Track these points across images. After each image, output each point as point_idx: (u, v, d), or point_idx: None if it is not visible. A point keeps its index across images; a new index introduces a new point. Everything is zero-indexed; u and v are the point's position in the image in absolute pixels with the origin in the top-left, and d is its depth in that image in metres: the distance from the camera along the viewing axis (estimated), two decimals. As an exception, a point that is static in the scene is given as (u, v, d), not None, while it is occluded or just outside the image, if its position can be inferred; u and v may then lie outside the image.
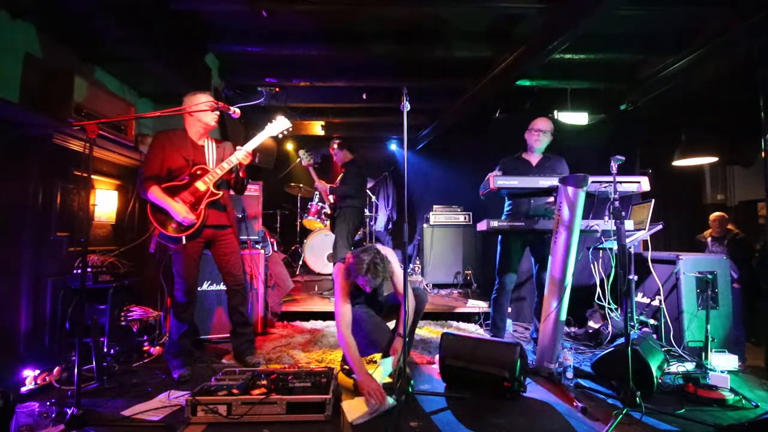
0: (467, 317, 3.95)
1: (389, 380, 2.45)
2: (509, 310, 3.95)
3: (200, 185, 2.46)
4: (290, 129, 2.66)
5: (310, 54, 3.92)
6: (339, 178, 4.32)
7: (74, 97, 2.66)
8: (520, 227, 2.82)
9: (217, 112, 2.55)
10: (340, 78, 4.46)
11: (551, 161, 3.10)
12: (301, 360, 2.85)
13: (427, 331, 3.59)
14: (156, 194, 2.37)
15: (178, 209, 2.35)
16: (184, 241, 2.42)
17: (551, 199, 2.86)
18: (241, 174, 2.63)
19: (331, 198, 4.37)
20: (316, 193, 5.79)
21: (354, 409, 1.99)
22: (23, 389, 2.18)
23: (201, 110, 2.44)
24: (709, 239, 4.53)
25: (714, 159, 4.51)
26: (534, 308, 3.15)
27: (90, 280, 2.56)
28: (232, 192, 2.75)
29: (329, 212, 4.59)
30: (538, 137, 3.03)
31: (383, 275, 2.33)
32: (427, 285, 5.03)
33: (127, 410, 2.04)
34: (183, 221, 2.37)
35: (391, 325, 2.62)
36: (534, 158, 3.10)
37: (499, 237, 3.09)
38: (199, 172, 2.48)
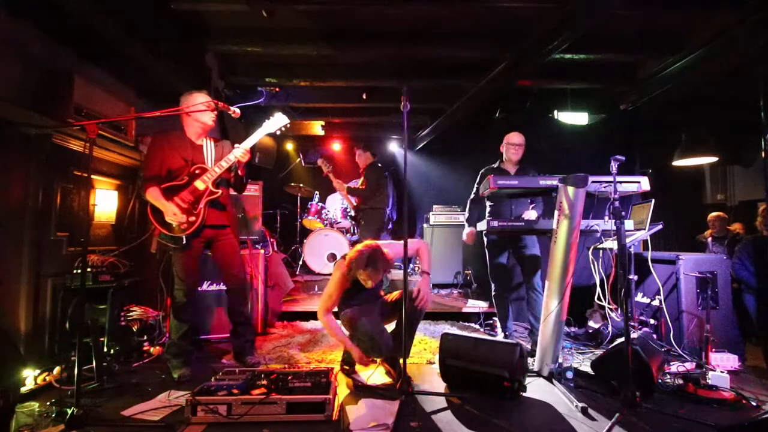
0: (467, 317, 3.95)
1: (389, 380, 2.46)
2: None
3: (199, 184, 2.46)
4: (288, 125, 2.67)
5: (310, 54, 3.91)
6: (360, 181, 4.42)
7: (74, 97, 2.66)
8: (519, 227, 2.82)
9: (215, 112, 2.55)
10: (340, 78, 4.46)
11: (527, 171, 3.22)
12: (301, 360, 2.85)
13: (427, 330, 3.59)
14: (152, 195, 2.39)
15: (167, 209, 2.37)
16: (184, 241, 2.43)
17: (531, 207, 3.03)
18: (240, 172, 2.64)
19: (353, 200, 4.45)
20: (316, 192, 5.79)
21: (357, 417, 1.97)
22: (23, 389, 2.18)
23: (199, 110, 2.45)
24: (710, 239, 4.53)
25: (714, 159, 4.51)
26: (526, 308, 3.21)
27: (90, 280, 2.55)
28: (232, 191, 2.75)
29: (353, 214, 4.65)
30: (515, 150, 3.18)
31: (384, 270, 2.38)
32: (427, 285, 5.02)
33: (127, 410, 2.04)
34: (171, 220, 2.39)
35: (390, 327, 2.63)
36: (512, 168, 3.24)
37: (485, 241, 3.21)
38: (198, 172, 2.49)
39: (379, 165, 4.47)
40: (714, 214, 4.51)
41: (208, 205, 2.49)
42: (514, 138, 3.20)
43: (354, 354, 2.48)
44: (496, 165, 3.31)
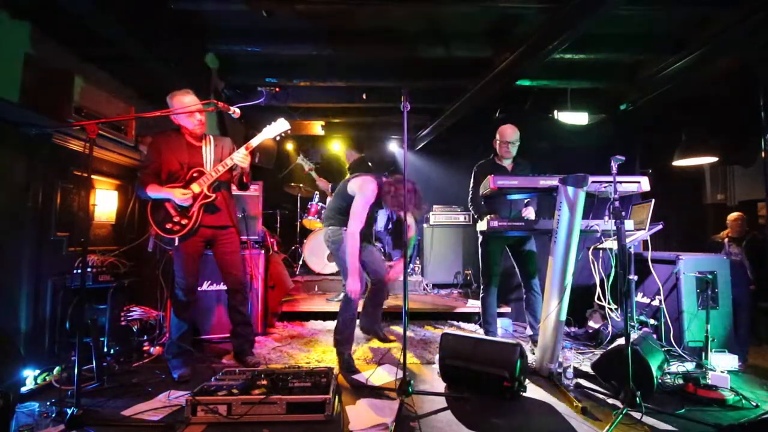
0: (467, 317, 3.95)
1: (389, 380, 2.46)
2: (509, 309, 3.97)
3: (195, 187, 2.47)
4: (289, 131, 2.66)
5: (310, 54, 3.91)
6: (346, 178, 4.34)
7: (74, 97, 2.66)
8: (519, 227, 2.82)
9: (199, 118, 2.52)
10: (340, 78, 4.46)
11: (522, 166, 3.19)
12: (301, 360, 2.85)
13: (427, 330, 3.59)
14: (153, 189, 2.42)
15: (176, 193, 2.40)
16: (176, 242, 2.45)
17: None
18: (245, 179, 2.68)
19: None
20: (316, 193, 5.79)
21: (357, 417, 1.98)
22: (23, 389, 2.18)
23: (198, 110, 2.46)
24: (726, 240, 4.48)
25: (714, 159, 4.51)
26: (525, 308, 3.20)
27: (90, 280, 2.55)
28: (234, 188, 2.75)
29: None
30: (507, 149, 3.11)
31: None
32: (427, 285, 5.03)
33: (127, 410, 2.04)
34: (182, 202, 2.43)
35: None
36: (508, 164, 3.20)
37: (479, 240, 3.15)
38: (195, 175, 2.50)
39: (362, 162, 4.40)
40: (735, 214, 4.44)
41: (204, 208, 2.50)
42: (507, 135, 3.08)
43: (350, 281, 2.55)
44: (491, 157, 3.24)
